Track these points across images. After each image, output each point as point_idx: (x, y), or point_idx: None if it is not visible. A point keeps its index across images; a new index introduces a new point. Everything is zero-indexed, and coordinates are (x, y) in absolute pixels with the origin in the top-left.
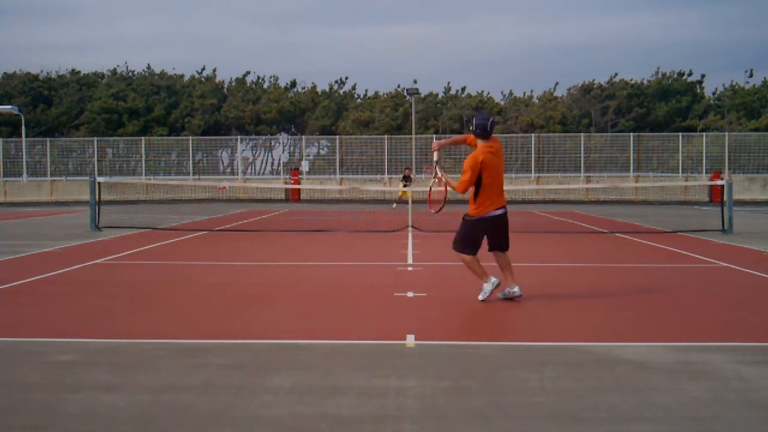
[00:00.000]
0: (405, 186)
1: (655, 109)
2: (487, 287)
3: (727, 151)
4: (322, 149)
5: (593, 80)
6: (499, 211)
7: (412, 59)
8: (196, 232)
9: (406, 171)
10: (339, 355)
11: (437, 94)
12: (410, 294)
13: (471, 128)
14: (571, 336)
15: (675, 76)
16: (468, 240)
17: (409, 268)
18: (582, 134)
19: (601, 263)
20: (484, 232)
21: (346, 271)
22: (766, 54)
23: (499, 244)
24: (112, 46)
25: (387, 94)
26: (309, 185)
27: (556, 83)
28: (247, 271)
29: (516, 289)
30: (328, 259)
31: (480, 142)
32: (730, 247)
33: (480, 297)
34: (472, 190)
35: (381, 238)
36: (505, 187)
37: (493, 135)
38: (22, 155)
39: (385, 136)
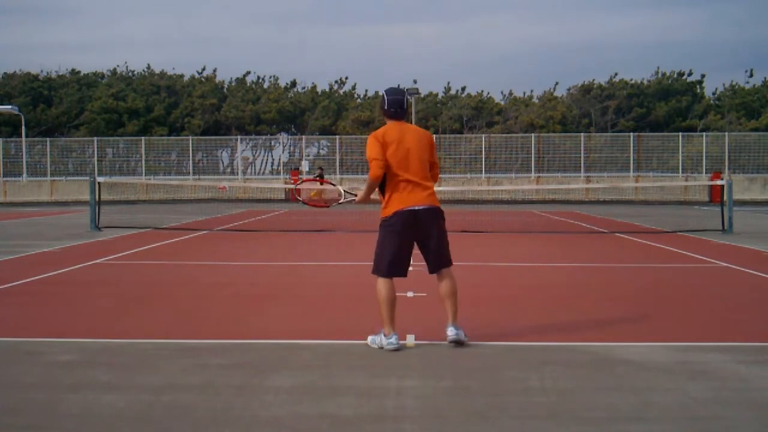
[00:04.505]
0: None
1: (655, 109)
2: (385, 341)
3: (727, 151)
4: (322, 149)
5: (593, 80)
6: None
7: (412, 59)
8: (196, 232)
9: (320, 170)
10: (339, 355)
11: (437, 94)
12: (410, 294)
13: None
14: (571, 336)
15: (675, 76)
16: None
17: (410, 268)
18: (582, 134)
19: (601, 263)
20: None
21: (346, 271)
22: (766, 54)
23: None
24: (112, 46)
25: None
26: (309, 185)
27: (556, 83)
28: (247, 271)
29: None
30: (327, 259)
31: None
32: (730, 247)
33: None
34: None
35: None
36: (505, 187)
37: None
38: (22, 155)
39: None
